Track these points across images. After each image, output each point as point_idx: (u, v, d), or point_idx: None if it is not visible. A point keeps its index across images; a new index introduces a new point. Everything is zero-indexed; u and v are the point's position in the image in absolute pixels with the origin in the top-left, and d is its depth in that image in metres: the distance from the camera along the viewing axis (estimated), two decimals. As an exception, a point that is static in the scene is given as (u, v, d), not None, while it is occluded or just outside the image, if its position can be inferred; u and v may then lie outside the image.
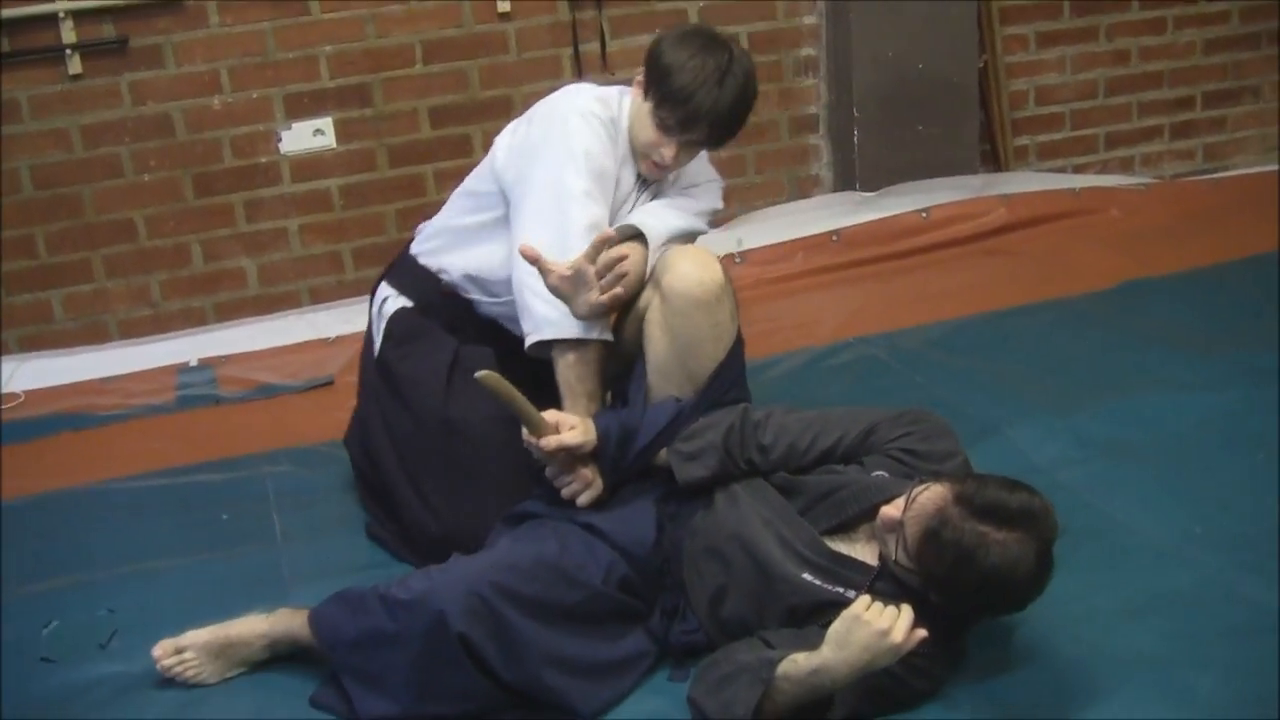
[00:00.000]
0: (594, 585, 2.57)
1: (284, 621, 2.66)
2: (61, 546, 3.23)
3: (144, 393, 4.10)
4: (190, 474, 3.59)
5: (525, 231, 2.87)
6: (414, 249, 3.22)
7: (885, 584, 2.47)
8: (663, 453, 2.79)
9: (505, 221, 3.01)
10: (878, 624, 2.24)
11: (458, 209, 3.17)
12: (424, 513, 2.98)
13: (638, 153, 3.01)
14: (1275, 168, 5.72)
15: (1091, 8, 5.53)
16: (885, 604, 2.28)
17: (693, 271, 2.82)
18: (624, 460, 2.77)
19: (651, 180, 3.08)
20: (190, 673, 2.65)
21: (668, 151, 2.95)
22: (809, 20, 5.18)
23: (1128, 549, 2.90)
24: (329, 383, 4.13)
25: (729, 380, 2.90)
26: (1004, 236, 4.94)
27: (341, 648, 2.52)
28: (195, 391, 4.11)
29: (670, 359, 2.85)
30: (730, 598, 2.59)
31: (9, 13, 4.27)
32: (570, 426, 2.71)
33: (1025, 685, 2.51)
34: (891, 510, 2.44)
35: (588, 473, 2.76)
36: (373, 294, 3.28)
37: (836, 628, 2.28)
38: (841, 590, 2.47)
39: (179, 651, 2.66)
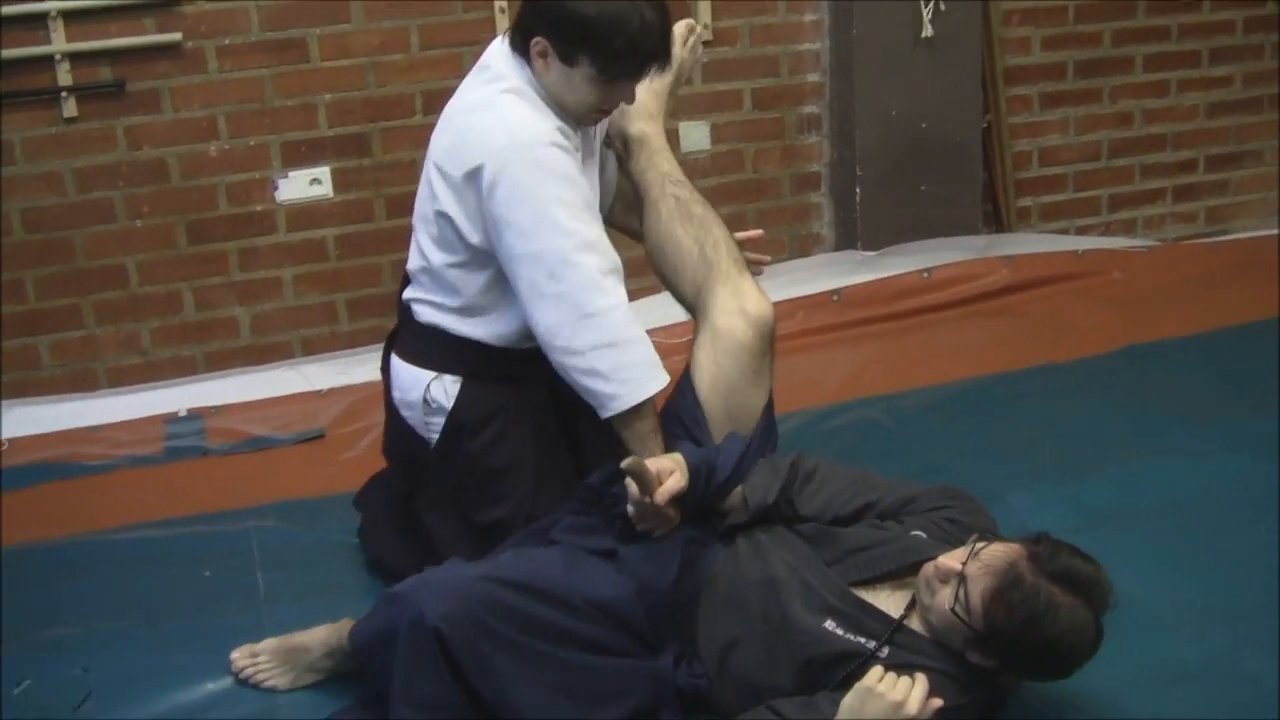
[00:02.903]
0: (591, 613, 2.51)
1: (340, 630, 2.70)
2: (39, 601, 3.16)
3: (131, 442, 4.04)
4: (174, 527, 3.53)
5: (536, 314, 2.75)
6: (432, 320, 2.94)
7: (906, 637, 2.44)
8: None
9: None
10: (892, 695, 2.23)
11: (450, 286, 2.91)
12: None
13: (581, 113, 2.81)
14: (1277, 232, 5.71)
15: (1095, 70, 5.53)
16: (901, 669, 2.28)
17: (752, 309, 2.79)
18: (706, 498, 2.69)
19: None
20: (262, 675, 2.76)
21: (631, 96, 2.83)
22: (813, 78, 5.16)
23: (1130, 621, 2.82)
24: (320, 436, 4.07)
25: (771, 420, 2.88)
26: (1006, 298, 4.90)
27: (365, 649, 2.54)
28: (184, 442, 4.04)
29: (712, 395, 2.80)
30: (743, 648, 2.54)
31: (5, 54, 4.23)
32: (670, 472, 2.60)
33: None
34: (950, 561, 2.41)
35: (673, 512, 2.64)
36: (387, 376, 3.07)
37: (849, 701, 2.27)
38: (863, 640, 2.43)
39: (254, 655, 2.77)
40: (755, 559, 2.60)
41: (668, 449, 2.77)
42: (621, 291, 2.76)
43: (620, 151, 3.08)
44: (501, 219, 2.71)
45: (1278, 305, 4.69)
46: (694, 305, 2.92)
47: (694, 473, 2.64)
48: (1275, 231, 5.70)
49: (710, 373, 2.81)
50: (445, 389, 2.92)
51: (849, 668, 2.38)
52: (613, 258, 2.76)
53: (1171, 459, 3.60)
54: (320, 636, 2.77)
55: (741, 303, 2.80)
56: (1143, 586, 2.97)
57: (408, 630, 2.37)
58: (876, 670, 2.28)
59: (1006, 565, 2.35)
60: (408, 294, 3.01)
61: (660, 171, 3.01)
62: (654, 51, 2.71)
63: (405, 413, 3.00)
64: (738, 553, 2.64)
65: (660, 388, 2.79)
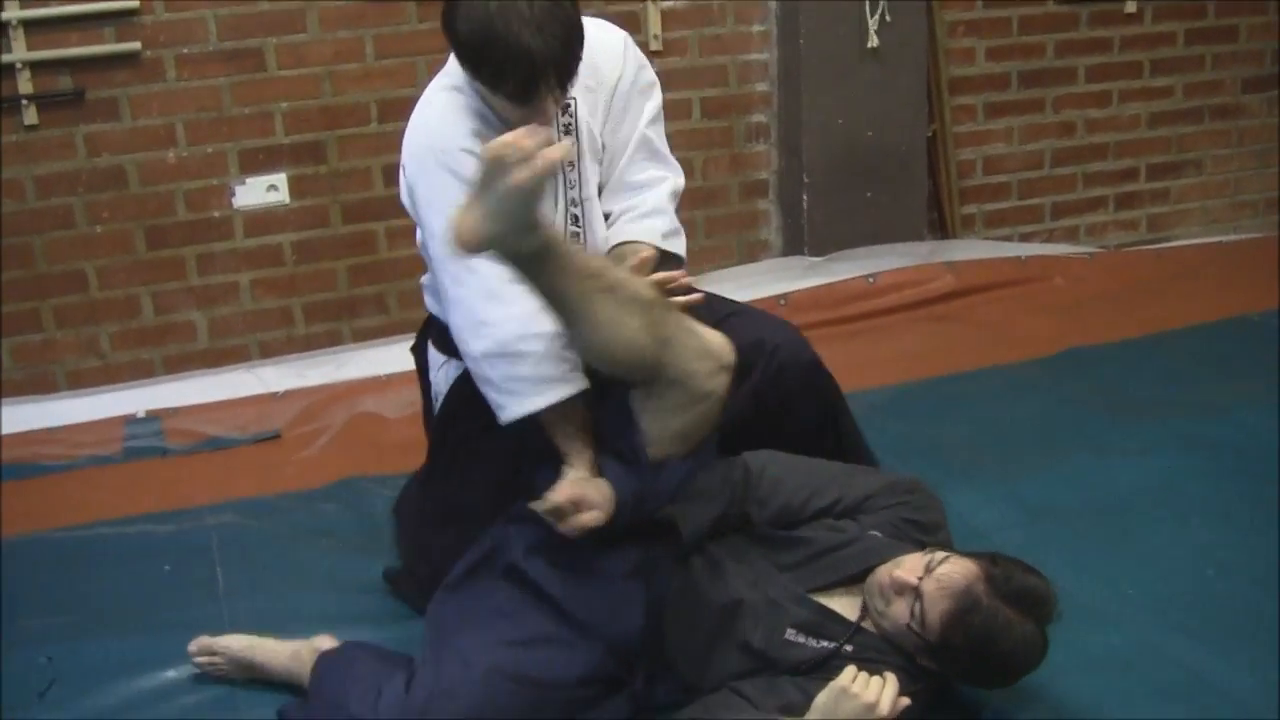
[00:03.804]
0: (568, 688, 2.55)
1: (301, 659, 2.72)
2: (2, 595, 3.19)
3: (91, 443, 4.08)
4: (134, 524, 3.58)
5: (448, 315, 2.71)
6: (431, 308, 2.96)
7: (863, 636, 2.50)
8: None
9: None
10: (865, 696, 2.29)
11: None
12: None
13: (507, 118, 2.60)
14: (1216, 239, 5.83)
15: (1038, 80, 5.62)
16: (869, 670, 2.33)
17: (726, 356, 2.52)
18: (633, 520, 2.62)
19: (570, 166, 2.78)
20: (218, 675, 2.79)
21: (546, 118, 2.60)
22: (761, 87, 5.24)
23: (1063, 610, 2.92)
24: (276, 436, 4.13)
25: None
26: (950, 303, 4.98)
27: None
28: (142, 443, 4.09)
29: (661, 430, 2.53)
30: (715, 666, 2.55)
31: (-34, 63, 4.28)
32: (590, 508, 2.52)
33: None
34: (905, 575, 2.46)
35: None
36: (421, 350, 3.09)
37: (823, 700, 2.32)
38: (825, 644, 2.49)
39: (213, 653, 2.77)
40: (716, 580, 2.60)
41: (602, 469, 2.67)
42: (530, 299, 2.48)
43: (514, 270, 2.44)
44: (419, 220, 2.72)
45: (1214, 311, 4.81)
46: (651, 379, 2.53)
47: (621, 506, 2.58)
48: (1214, 239, 5.83)
49: (678, 424, 2.55)
50: (447, 376, 2.95)
51: (809, 669, 2.44)
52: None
53: (1107, 457, 3.68)
54: (282, 660, 2.76)
55: (717, 360, 2.51)
56: (1077, 578, 3.05)
57: None
58: (850, 670, 2.33)
59: (964, 588, 2.39)
60: (425, 278, 2.98)
61: (577, 269, 2.42)
62: (530, 78, 2.47)
63: (431, 384, 3.05)
64: (695, 576, 2.62)
65: (546, 405, 2.62)
